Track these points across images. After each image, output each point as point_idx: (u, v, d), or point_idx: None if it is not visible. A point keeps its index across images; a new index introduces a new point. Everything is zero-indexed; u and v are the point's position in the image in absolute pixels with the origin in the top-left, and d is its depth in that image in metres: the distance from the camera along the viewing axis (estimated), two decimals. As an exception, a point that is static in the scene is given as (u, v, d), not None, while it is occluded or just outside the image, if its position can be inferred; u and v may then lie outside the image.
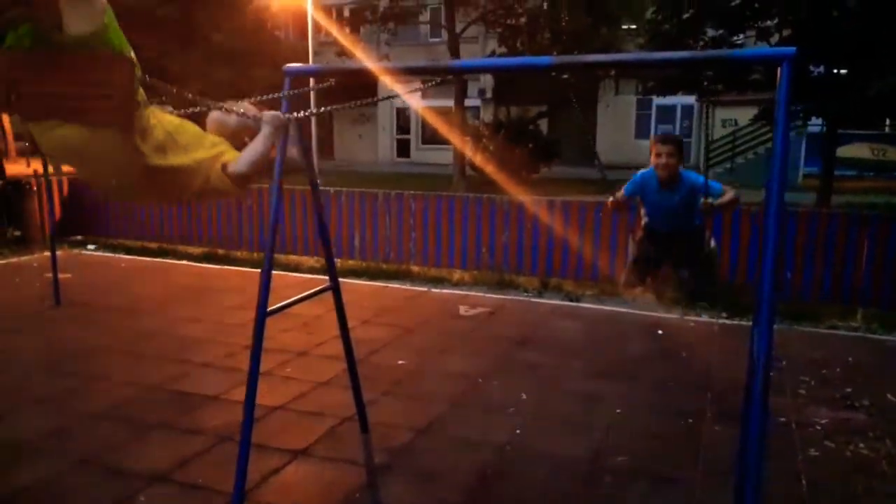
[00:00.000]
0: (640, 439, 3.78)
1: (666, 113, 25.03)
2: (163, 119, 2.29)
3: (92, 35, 1.84)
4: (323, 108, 2.89)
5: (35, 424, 3.86)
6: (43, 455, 3.51)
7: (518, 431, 3.86)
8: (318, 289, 3.35)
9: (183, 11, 17.48)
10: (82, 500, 3.10)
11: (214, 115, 2.54)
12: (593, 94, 23.43)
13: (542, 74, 17.49)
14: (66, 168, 19.02)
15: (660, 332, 5.82)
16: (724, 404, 4.11)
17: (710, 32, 12.60)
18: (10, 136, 26.42)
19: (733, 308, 6.20)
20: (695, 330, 5.90)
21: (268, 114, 2.46)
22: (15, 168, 19.71)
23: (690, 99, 21.90)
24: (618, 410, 4.17)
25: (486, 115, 24.38)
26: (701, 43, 11.78)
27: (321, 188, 9.39)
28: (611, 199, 5.11)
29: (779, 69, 2.11)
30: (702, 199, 4.66)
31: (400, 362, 5.00)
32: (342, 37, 16.76)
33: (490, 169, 16.03)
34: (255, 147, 2.42)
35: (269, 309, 2.93)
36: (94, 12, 1.82)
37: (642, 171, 5.22)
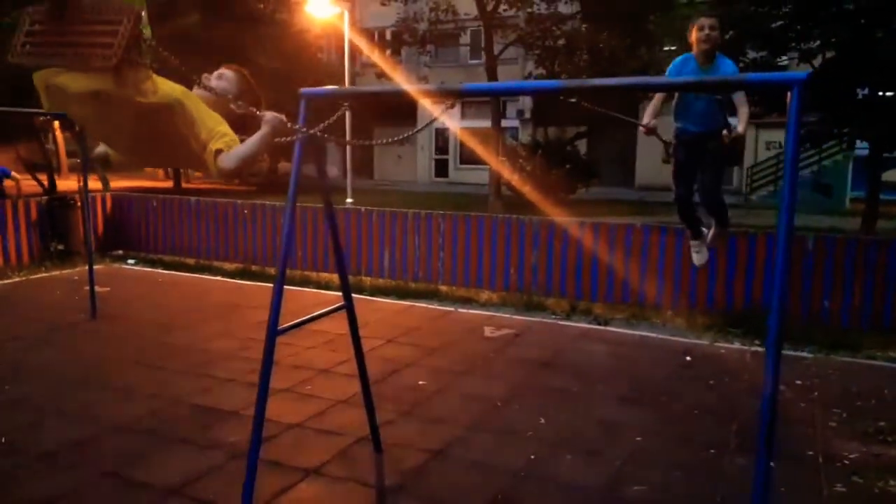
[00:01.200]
0: (659, 469, 3.68)
1: None
2: (171, 84, 2.29)
3: None
4: (351, 141, 2.92)
5: (60, 435, 3.95)
6: (65, 466, 3.60)
7: (533, 457, 3.80)
8: (331, 308, 3.37)
9: (231, 34, 17.98)
10: (97, 511, 3.16)
11: (198, 92, 2.47)
12: (633, 115, 23.24)
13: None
14: (115, 184, 19.57)
15: (688, 358, 5.69)
16: (748, 436, 3.97)
17: (751, 54, 12.41)
18: (62, 153, 27.44)
19: (765, 335, 6.02)
20: (725, 357, 5.75)
21: (268, 114, 2.41)
22: (66, 184, 20.44)
23: (734, 120, 21.49)
24: (638, 438, 4.08)
25: (525, 135, 24.39)
26: (741, 65, 11.59)
27: (355, 207, 9.49)
28: (642, 127, 4.95)
29: (789, 94, 2.07)
30: (724, 132, 4.49)
31: (420, 383, 4.99)
32: (381, 59, 17.04)
33: (527, 189, 16.00)
34: (250, 145, 2.34)
35: (281, 327, 2.94)
36: None
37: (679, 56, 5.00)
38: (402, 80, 16.53)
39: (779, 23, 11.70)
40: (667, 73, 4.81)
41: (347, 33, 12.89)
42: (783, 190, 2.08)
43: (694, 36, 4.63)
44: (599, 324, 6.80)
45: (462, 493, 3.40)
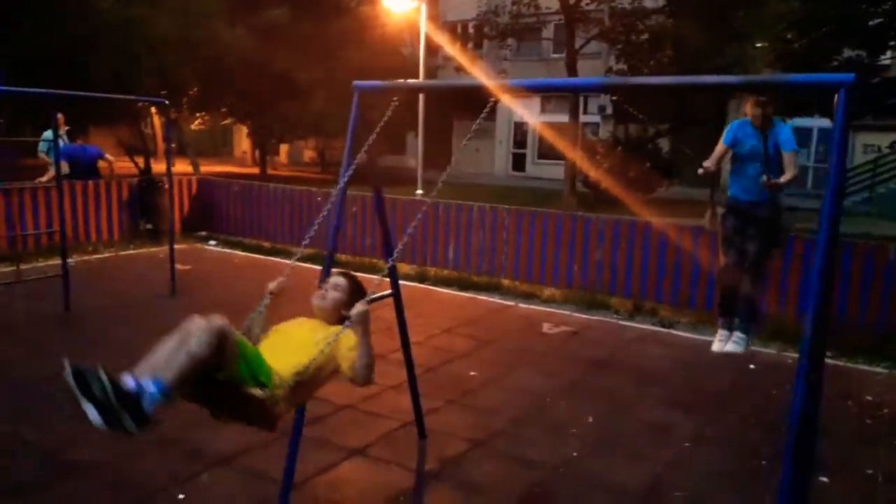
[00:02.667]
0: (703, 476, 3.61)
1: (801, 135, 23.45)
2: (280, 369, 2.39)
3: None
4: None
5: (130, 400, 4.24)
6: (130, 429, 3.85)
7: (575, 454, 3.80)
8: (378, 294, 3.47)
9: (317, 27, 18.50)
10: (152, 474, 3.39)
11: (316, 302, 2.73)
12: (722, 114, 22.42)
13: (663, 91, 17.00)
14: (204, 168, 20.49)
15: (752, 366, 5.51)
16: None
17: (847, 53, 11.76)
18: (159, 137, 28.99)
19: (840, 347, 5.76)
20: (791, 367, 5.49)
21: (353, 314, 2.46)
22: (161, 167, 21.62)
23: (829, 122, 20.42)
24: (686, 444, 4.01)
25: (605, 131, 23.95)
26: (835, 63, 11.01)
27: (426, 198, 9.60)
28: (701, 168, 4.92)
29: (836, 96, 2.00)
30: (763, 178, 4.45)
31: (472, 373, 5.05)
32: (460, 53, 17.10)
33: (603, 186, 15.75)
34: (364, 354, 2.44)
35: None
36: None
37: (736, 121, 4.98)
38: (481, 74, 16.53)
39: (878, 20, 11.03)
40: (724, 134, 4.80)
41: (424, 26, 13.00)
42: (826, 198, 2.01)
43: (749, 110, 4.60)
44: (663, 326, 6.67)
45: (498, 483, 3.45)
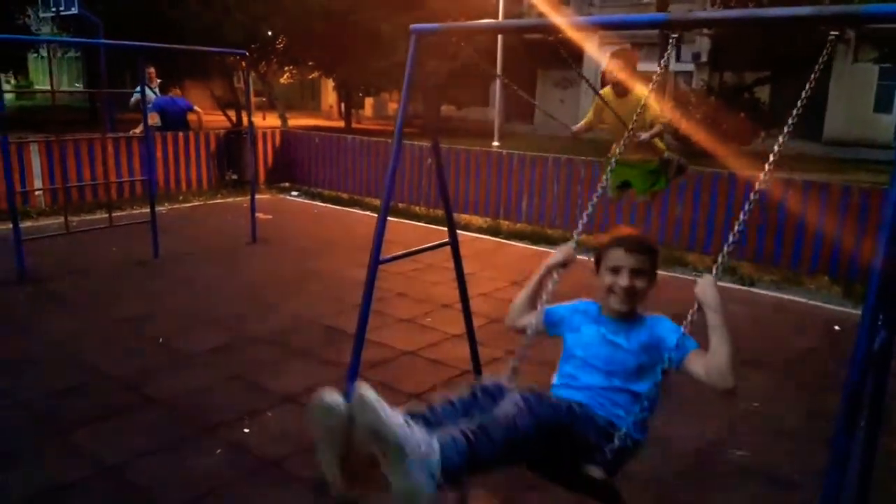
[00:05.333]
0: (767, 436, 3.48)
1: (886, 92, 21.48)
2: None
3: None
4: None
5: (203, 341, 4.49)
6: (201, 368, 4.09)
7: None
8: (434, 243, 3.49)
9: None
10: (221, 408, 3.58)
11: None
12: (827, 60, 20.79)
13: (763, 36, 15.92)
14: (292, 122, 20.91)
15: (837, 327, 5.22)
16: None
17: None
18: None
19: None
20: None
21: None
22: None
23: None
24: (755, 404, 3.86)
25: (700, 80, 22.77)
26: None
27: (497, 150, 9.50)
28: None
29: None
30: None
31: (537, 326, 5.01)
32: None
33: (696, 138, 15.04)
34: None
35: (382, 258, 3.11)
36: None
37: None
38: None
39: None
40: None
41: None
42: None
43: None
44: (744, 284, 6.39)
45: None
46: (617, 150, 4.28)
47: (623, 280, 2.11)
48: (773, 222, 6.59)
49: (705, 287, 2.01)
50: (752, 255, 6.78)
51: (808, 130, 21.65)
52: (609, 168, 2.70)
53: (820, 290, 6.23)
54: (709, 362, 1.94)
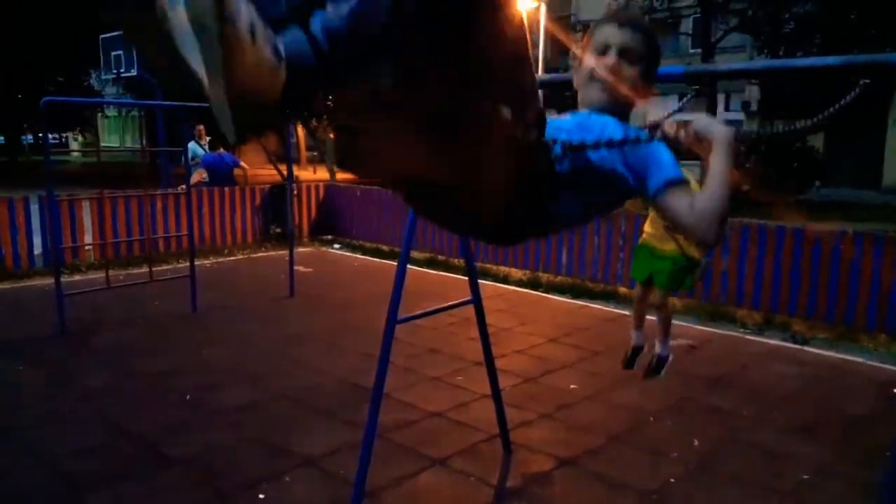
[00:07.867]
0: (820, 515, 3.20)
1: None
2: None
3: None
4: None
5: (230, 397, 4.44)
6: (224, 426, 4.03)
7: (673, 480, 3.50)
8: (456, 302, 3.39)
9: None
10: (238, 471, 3.49)
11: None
12: (883, 107, 20.25)
13: (814, 84, 15.60)
14: (339, 176, 21.36)
15: (897, 391, 4.86)
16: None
17: None
18: (302, 146, 30.69)
19: None
20: (948, 395, 4.82)
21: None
22: (303, 174, 22.86)
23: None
24: (805, 476, 3.58)
25: (749, 128, 22.39)
26: None
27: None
28: None
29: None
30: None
31: (572, 386, 4.82)
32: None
33: (745, 188, 14.68)
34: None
35: (400, 318, 3.02)
36: None
37: None
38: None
39: None
40: None
41: (543, 24, 12.87)
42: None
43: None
44: (796, 342, 6.05)
45: (581, 506, 3.24)
46: (648, 232, 4.07)
47: (609, 59, 1.70)
48: (825, 276, 6.27)
49: (712, 120, 1.60)
50: (804, 310, 6.44)
51: (867, 179, 20.98)
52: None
53: (878, 350, 5.85)
54: (698, 203, 1.51)
